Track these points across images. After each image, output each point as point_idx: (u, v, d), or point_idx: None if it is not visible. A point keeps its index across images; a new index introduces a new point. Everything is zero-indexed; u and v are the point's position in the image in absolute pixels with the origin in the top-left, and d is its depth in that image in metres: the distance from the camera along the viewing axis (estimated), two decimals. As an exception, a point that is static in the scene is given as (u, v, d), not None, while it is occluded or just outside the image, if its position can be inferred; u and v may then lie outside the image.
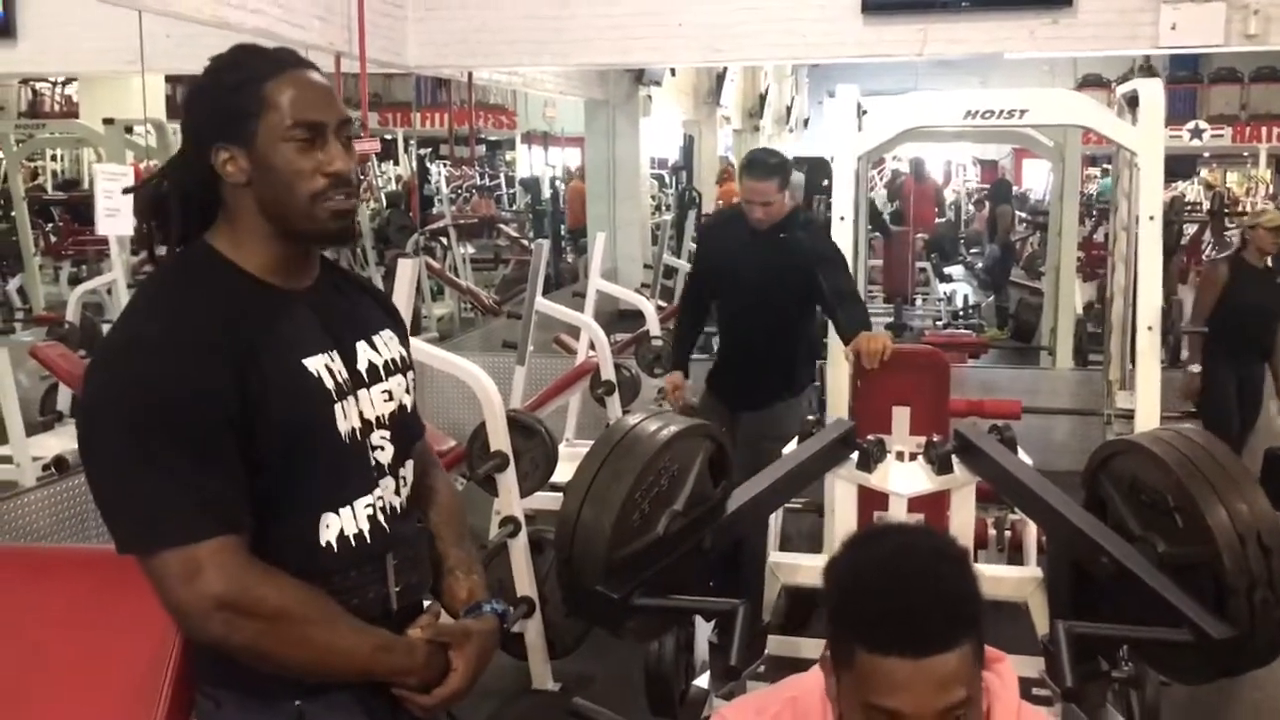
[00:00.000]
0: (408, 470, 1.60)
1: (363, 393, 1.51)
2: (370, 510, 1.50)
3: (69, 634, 1.47)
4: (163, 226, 1.48)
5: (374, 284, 1.75)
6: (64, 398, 4.78)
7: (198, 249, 1.48)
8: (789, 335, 3.99)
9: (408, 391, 1.61)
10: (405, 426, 1.59)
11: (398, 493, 1.56)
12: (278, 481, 1.41)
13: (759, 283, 3.88)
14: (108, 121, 7.10)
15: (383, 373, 1.56)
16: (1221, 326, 5.16)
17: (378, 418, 1.53)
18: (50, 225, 8.50)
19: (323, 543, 1.45)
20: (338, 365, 1.48)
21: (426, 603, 1.60)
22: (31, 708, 1.44)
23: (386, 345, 1.59)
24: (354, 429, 1.48)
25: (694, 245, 4.96)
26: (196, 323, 1.37)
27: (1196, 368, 5.24)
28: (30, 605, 1.49)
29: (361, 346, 1.54)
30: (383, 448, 1.53)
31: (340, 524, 1.46)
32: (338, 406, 1.46)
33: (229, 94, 1.43)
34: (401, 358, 1.61)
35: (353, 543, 1.47)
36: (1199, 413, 5.29)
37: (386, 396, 1.55)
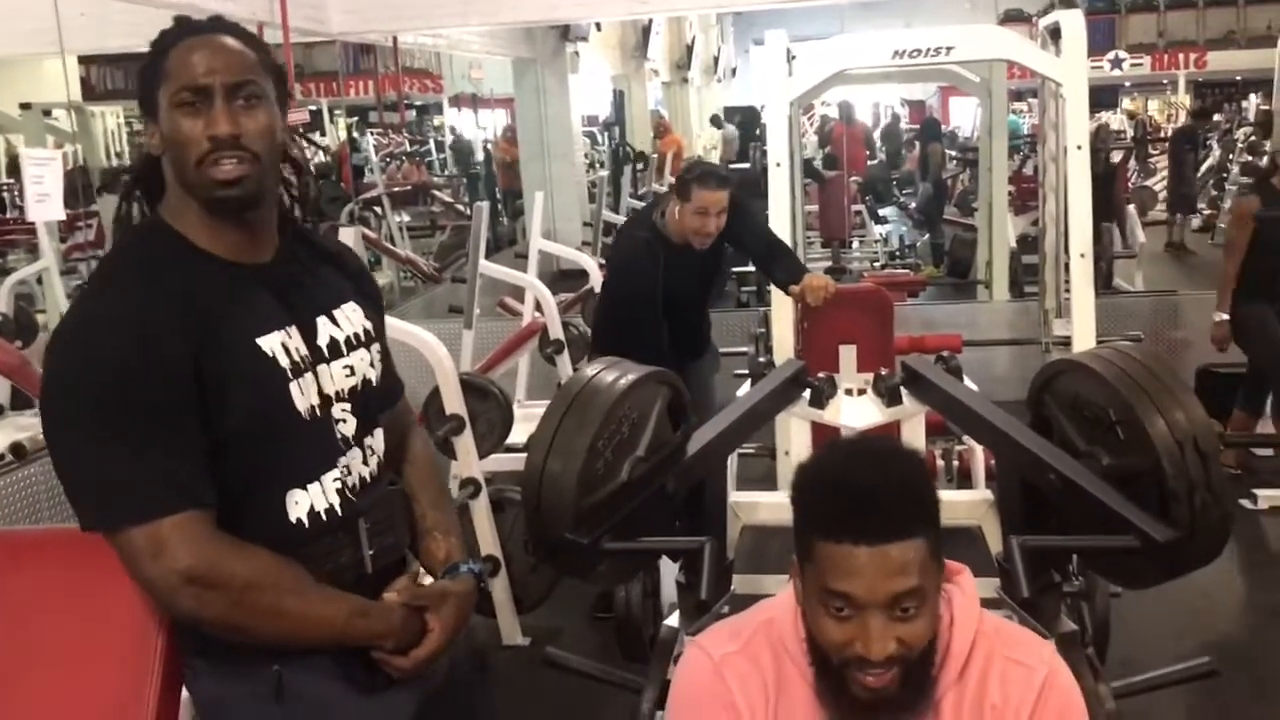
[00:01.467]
0: (375, 440, 1.59)
1: (322, 368, 1.50)
2: (339, 484, 1.49)
3: (55, 614, 1.46)
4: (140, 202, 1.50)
5: (344, 249, 1.71)
6: (2, 390, 4.68)
7: (149, 223, 1.48)
8: (704, 308, 4.10)
9: (372, 365, 1.59)
10: (369, 399, 1.57)
11: (365, 463, 1.55)
12: (240, 460, 1.40)
13: (691, 289, 3.86)
14: (24, 106, 6.92)
15: (344, 348, 1.54)
16: (1258, 262, 4.69)
17: (337, 392, 1.51)
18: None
19: (293, 519, 1.45)
20: (295, 342, 1.46)
21: (410, 562, 1.61)
22: (27, 690, 1.43)
23: (349, 319, 1.56)
24: (313, 405, 1.46)
25: (613, 247, 4.30)
26: (153, 300, 1.36)
27: (1221, 315, 4.78)
28: (12, 588, 1.48)
29: (322, 322, 1.52)
30: (345, 420, 1.52)
31: (310, 500, 1.46)
32: (294, 384, 1.44)
33: (144, 70, 1.43)
34: (366, 331, 1.59)
35: (323, 517, 1.47)
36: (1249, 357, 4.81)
37: (348, 372, 1.54)
